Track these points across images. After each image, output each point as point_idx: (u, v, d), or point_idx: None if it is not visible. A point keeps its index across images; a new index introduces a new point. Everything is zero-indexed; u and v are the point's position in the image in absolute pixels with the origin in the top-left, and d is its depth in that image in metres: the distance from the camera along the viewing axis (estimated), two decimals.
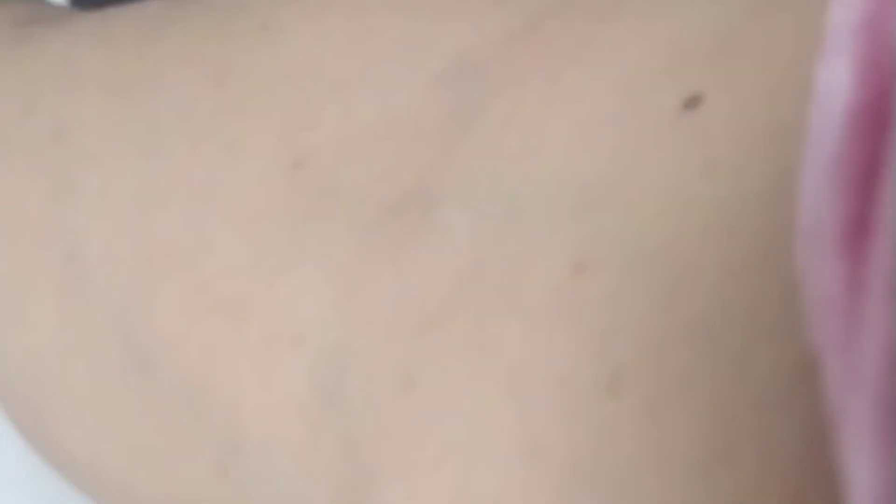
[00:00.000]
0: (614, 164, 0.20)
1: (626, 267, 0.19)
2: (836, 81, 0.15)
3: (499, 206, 0.22)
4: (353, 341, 0.23)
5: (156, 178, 0.27)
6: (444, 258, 0.22)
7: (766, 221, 0.18)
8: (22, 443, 0.32)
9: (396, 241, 0.23)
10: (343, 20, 0.26)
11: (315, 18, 0.27)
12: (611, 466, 0.18)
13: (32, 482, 0.34)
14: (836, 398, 0.15)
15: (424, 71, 0.25)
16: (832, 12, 0.15)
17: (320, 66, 0.26)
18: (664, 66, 0.21)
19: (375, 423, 0.22)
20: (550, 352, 0.20)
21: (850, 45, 0.15)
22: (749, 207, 0.18)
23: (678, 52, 0.21)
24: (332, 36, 0.26)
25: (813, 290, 0.15)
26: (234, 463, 0.25)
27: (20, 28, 0.32)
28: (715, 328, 0.18)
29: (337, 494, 0.23)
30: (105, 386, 0.28)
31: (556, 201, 0.21)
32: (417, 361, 0.22)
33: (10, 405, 0.32)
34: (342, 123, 0.25)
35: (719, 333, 0.18)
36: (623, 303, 0.19)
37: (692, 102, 0.20)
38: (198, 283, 0.25)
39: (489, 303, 0.21)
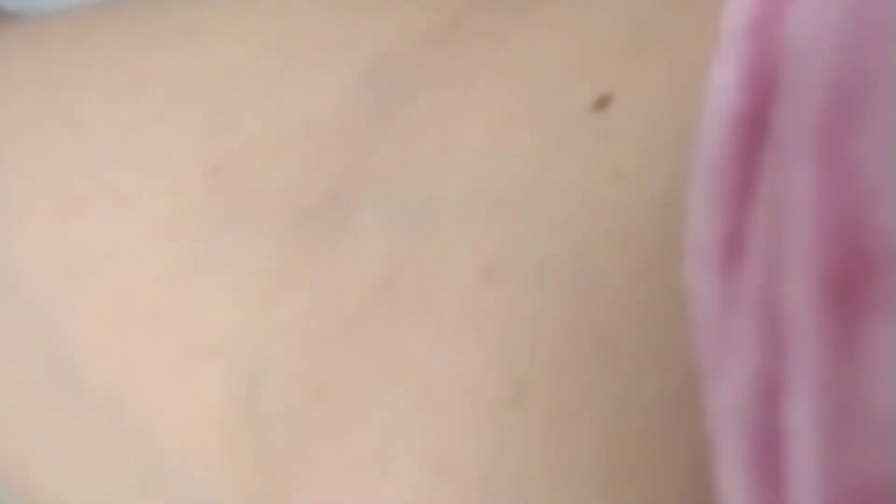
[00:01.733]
0: (525, 167, 0.20)
1: (533, 274, 0.18)
2: (721, 89, 0.14)
3: (414, 210, 0.21)
4: (267, 351, 0.22)
5: (78, 186, 0.26)
6: (360, 264, 0.22)
7: (667, 228, 0.17)
8: None
9: (312, 247, 0.22)
10: (266, 21, 0.26)
11: (237, 21, 0.26)
12: (514, 481, 0.18)
13: None
14: (712, 421, 0.14)
15: (345, 72, 0.24)
16: (726, 15, 0.15)
17: (241, 70, 0.25)
18: (576, 63, 0.20)
19: (289, 436, 0.21)
20: (458, 361, 0.19)
21: (737, 51, 0.14)
22: (653, 213, 0.17)
23: (591, 48, 0.20)
24: (254, 38, 0.26)
25: (695, 308, 0.15)
26: (154, 478, 0.24)
27: None
28: (617, 339, 0.17)
29: None
30: (31, 398, 0.27)
31: (469, 205, 0.20)
32: (330, 372, 0.21)
33: None
34: (261, 128, 0.24)
35: (621, 345, 0.17)
36: (529, 311, 0.18)
37: (602, 103, 0.19)
38: (117, 293, 0.25)
39: (402, 311, 0.20)
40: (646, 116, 0.19)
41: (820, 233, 0.13)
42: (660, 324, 0.17)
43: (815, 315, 0.13)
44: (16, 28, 0.31)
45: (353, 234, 0.22)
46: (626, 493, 0.17)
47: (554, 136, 0.19)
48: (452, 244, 0.20)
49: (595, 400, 0.17)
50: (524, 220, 0.19)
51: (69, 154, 0.27)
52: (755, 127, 0.14)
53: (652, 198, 0.18)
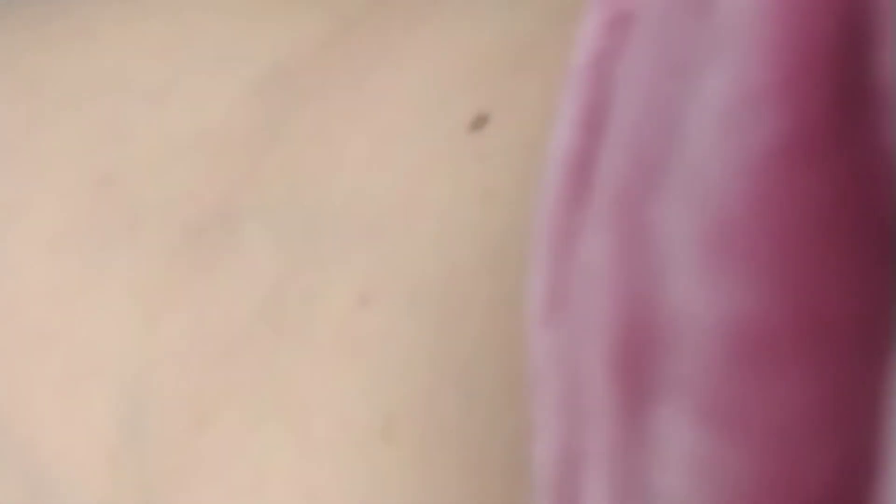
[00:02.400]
0: (402, 185, 0.19)
1: (405, 300, 0.18)
2: (562, 125, 0.14)
3: (299, 227, 0.21)
4: (151, 374, 0.21)
5: None
6: (244, 285, 0.21)
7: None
8: None
9: (198, 264, 0.22)
10: (160, 27, 0.25)
11: (132, 24, 0.25)
12: None
13: None
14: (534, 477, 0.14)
15: (237, 81, 0.23)
16: (577, 44, 0.14)
17: (133, 76, 0.25)
18: (458, 80, 0.19)
19: (171, 463, 0.21)
20: (333, 391, 0.18)
21: (578, 86, 0.14)
22: (522, 240, 0.17)
23: (472, 65, 0.19)
24: (148, 43, 0.25)
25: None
26: (42, 498, 0.23)
27: None
28: (479, 373, 0.17)
29: None
30: None
31: (348, 225, 0.19)
32: (211, 399, 0.20)
33: None
34: (152, 138, 0.24)
35: (483, 379, 0.17)
36: (400, 340, 0.17)
37: (478, 123, 0.18)
38: (1, 307, 0.24)
39: (283, 335, 0.20)
40: (520, 138, 0.18)
41: (614, 304, 0.12)
42: (522, 359, 0.16)
43: (607, 390, 0.12)
44: None
45: (238, 251, 0.21)
46: None
47: (430, 154, 0.19)
48: (331, 265, 0.19)
49: (458, 436, 0.17)
50: (399, 241, 0.18)
51: None
52: (583, 173, 0.13)
53: (523, 223, 0.17)
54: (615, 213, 0.12)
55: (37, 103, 0.25)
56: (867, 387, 0.11)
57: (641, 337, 0.12)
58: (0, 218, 0.24)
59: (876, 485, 0.11)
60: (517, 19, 0.20)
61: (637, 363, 0.12)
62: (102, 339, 0.22)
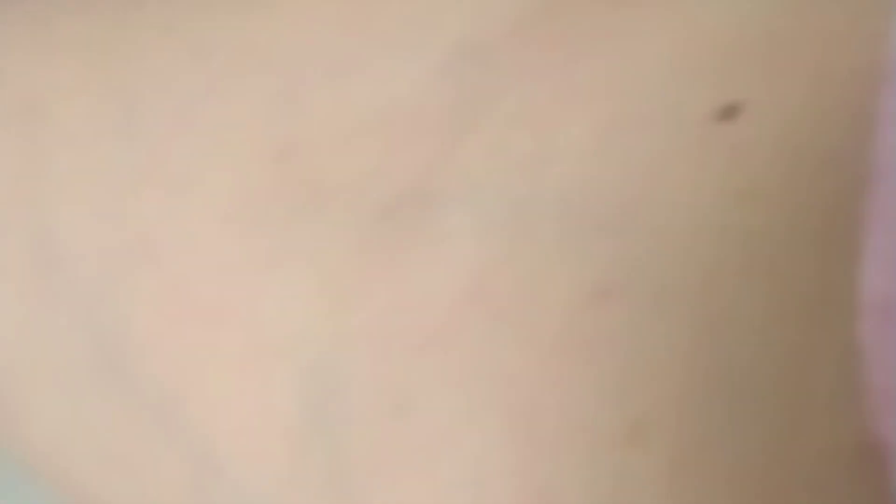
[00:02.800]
0: (637, 178, 0.18)
1: (651, 298, 0.17)
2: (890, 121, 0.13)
3: (506, 215, 0.20)
4: (343, 357, 0.21)
5: (132, 160, 0.25)
6: (446, 269, 0.20)
7: (814, 266, 0.16)
8: None
9: (392, 245, 0.21)
10: (338, 1, 0.24)
11: None
12: None
13: None
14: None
15: (426, 58, 0.23)
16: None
17: (312, 48, 0.24)
18: (695, 66, 0.19)
19: (365, 450, 0.20)
20: (564, 388, 0.18)
21: None
22: (795, 246, 0.16)
23: (713, 51, 0.19)
24: (326, 16, 0.24)
25: (878, 374, 0.13)
26: (209, 479, 0.23)
27: None
28: (759, 385, 0.16)
29: None
30: (74, 384, 0.26)
31: (572, 216, 0.19)
32: (413, 385, 0.20)
33: None
34: (335, 112, 0.23)
35: (765, 393, 0.16)
36: (647, 340, 0.17)
37: (728, 113, 0.18)
38: (175, 282, 0.23)
39: (496, 326, 0.19)
40: (779, 132, 0.17)
41: None
42: (815, 378, 0.15)
43: None
44: None
45: (437, 235, 0.21)
46: None
47: (671, 147, 0.18)
48: (553, 257, 0.19)
49: (730, 450, 0.16)
50: (640, 236, 0.17)
51: (123, 125, 0.26)
52: None
53: (785, 227, 0.16)
54: None
55: (207, 72, 0.25)
56: None
57: None
58: (173, 186, 0.24)
59: None
60: (753, 7, 0.19)
61: None
62: (284, 318, 0.22)
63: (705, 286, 0.17)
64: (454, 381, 0.19)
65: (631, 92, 0.19)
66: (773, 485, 0.16)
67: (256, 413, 0.22)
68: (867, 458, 0.14)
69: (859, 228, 0.14)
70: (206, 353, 0.23)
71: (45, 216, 0.26)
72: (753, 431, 0.16)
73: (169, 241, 0.24)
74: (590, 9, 0.21)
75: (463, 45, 0.22)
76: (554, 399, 0.18)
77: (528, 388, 0.18)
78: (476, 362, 0.19)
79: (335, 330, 0.21)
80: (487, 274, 0.20)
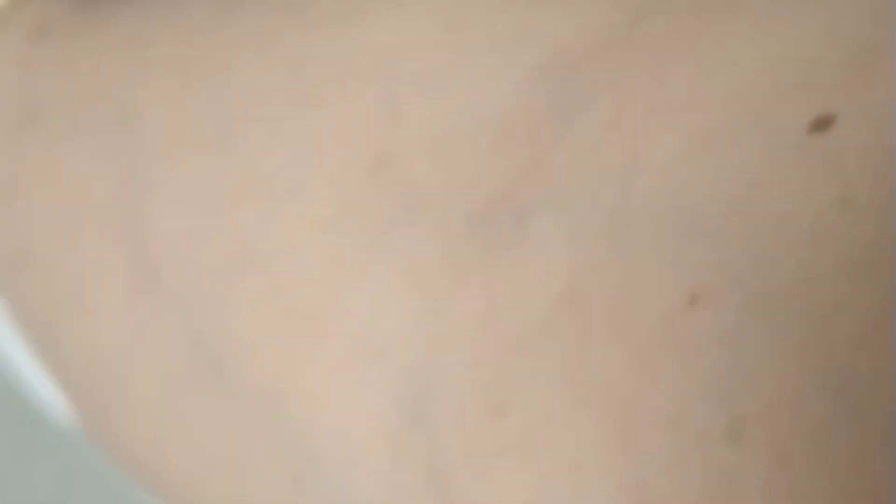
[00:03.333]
0: (732, 186, 0.19)
1: (747, 302, 0.17)
2: None
3: (599, 222, 0.20)
4: (439, 359, 0.21)
5: (229, 172, 0.26)
6: (539, 274, 0.21)
7: None
8: None
9: (487, 251, 0.22)
10: (430, 12, 0.25)
11: (399, 7, 0.25)
12: None
13: None
14: None
15: (517, 69, 0.23)
16: None
17: (405, 59, 0.25)
18: (787, 78, 0.19)
19: (463, 450, 0.21)
20: (660, 388, 0.18)
21: None
22: (886, 248, 0.17)
23: (804, 63, 0.19)
24: (418, 27, 0.25)
25: None
26: (309, 478, 0.23)
27: (85, 8, 0.31)
28: (851, 382, 0.16)
29: None
30: (174, 387, 0.26)
31: (665, 223, 0.19)
32: (510, 386, 0.20)
33: (74, 395, 0.31)
34: (429, 121, 0.24)
35: (863, 389, 0.16)
36: (743, 342, 0.17)
37: (822, 123, 0.18)
38: (274, 288, 0.24)
39: (592, 328, 0.20)
40: (872, 141, 0.18)
41: None
42: None
43: None
44: (151, 3, 0.31)
45: (530, 241, 0.21)
46: None
47: (766, 156, 0.19)
48: (648, 262, 0.19)
49: (824, 442, 0.16)
50: (735, 243, 0.18)
51: (218, 138, 0.26)
52: None
53: (884, 231, 0.17)
54: None
55: (302, 83, 0.26)
56: None
57: None
58: (274, 198, 0.25)
59: None
60: (844, 19, 0.19)
61: None
62: (383, 320, 0.23)
63: (801, 289, 0.17)
64: (549, 381, 0.20)
65: (722, 102, 0.20)
66: (870, 485, 0.16)
67: (356, 414, 0.23)
68: None
69: None
70: (306, 356, 0.23)
71: (145, 228, 0.27)
72: (852, 431, 0.16)
73: (268, 250, 0.24)
74: (680, 20, 0.22)
75: (554, 55, 0.23)
76: (649, 399, 0.18)
77: (624, 388, 0.19)
78: (571, 364, 0.20)
79: (430, 332, 0.22)
80: (581, 279, 0.20)
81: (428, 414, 0.21)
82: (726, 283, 0.18)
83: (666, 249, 0.19)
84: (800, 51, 0.19)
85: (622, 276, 0.20)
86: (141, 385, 0.27)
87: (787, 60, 0.19)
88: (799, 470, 0.17)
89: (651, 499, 0.18)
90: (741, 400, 0.17)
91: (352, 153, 0.24)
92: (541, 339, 0.20)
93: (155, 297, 0.27)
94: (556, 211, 0.21)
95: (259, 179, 0.25)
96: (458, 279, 0.22)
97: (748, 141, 0.19)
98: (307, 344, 0.23)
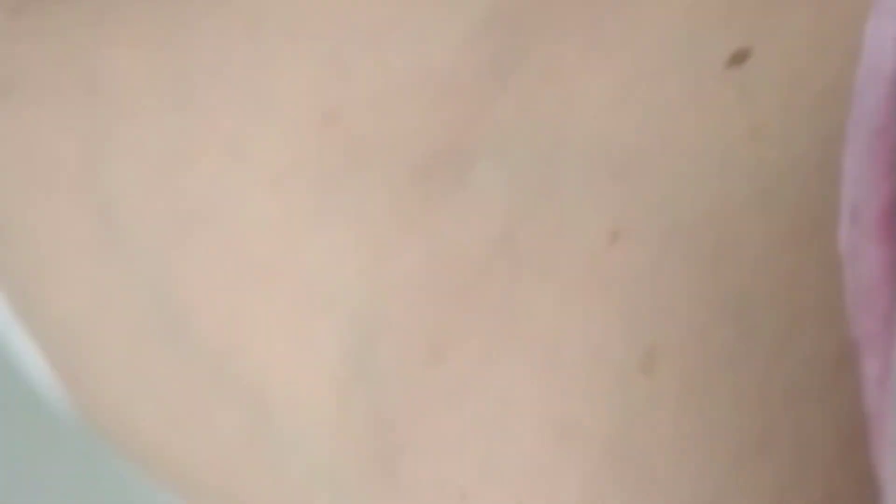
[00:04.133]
0: (655, 124, 0.19)
1: (663, 236, 0.18)
2: (882, 45, 0.14)
3: (535, 167, 0.21)
4: (382, 308, 0.22)
5: (187, 131, 0.26)
6: (478, 221, 0.21)
7: (810, 193, 0.16)
8: None
9: (429, 200, 0.22)
10: None
11: None
12: (640, 450, 0.17)
13: None
14: (871, 400, 0.14)
15: (462, 22, 0.23)
16: None
17: (352, 15, 0.25)
18: (710, 15, 0.19)
19: (403, 396, 0.21)
20: (583, 324, 0.18)
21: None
22: (796, 176, 0.17)
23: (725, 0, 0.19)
24: None
25: (852, 277, 0.14)
26: (262, 431, 0.24)
27: None
28: (758, 308, 0.17)
29: (365, 467, 0.22)
30: (138, 347, 0.27)
31: (593, 164, 0.20)
32: (448, 331, 0.21)
33: (52, 360, 0.31)
34: (376, 76, 0.24)
35: (762, 314, 0.17)
36: (659, 275, 0.18)
37: (739, 57, 0.18)
38: (226, 243, 0.24)
39: (522, 270, 0.20)
40: (786, 73, 0.18)
41: None
42: (804, 294, 0.16)
43: None
44: None
45: (470, 189, 0.21)
46: (758, 467, 0.16)
47: (687, 93, 0.19)
48: (575, 204, 0.20)
49: (732, 369, 0.17)
50: (654, 179, 0.18)
51: (178, 99, 0.27)
52: None
53: (794, 160, 0.17)
54: None
55: (257, 43, 0.26)
56: None
57: None
58: (225, 155, 0.25)
59: None
60: None
61: None
62: (329, 273, 0.23)
63: (711, 220, 0.17)
64: (483, 324, 0.20)
65: (649, 45, 0.20)
66: (771, 397, 0.16)
67: (304, 365, 0.23)
68: (850, 366, 0.15)
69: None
70: (257, 310, 0.24)
71: (107, 188, 0.27)
72: (753, 350, 0.17)
73: (221, 206, 0.25)
74: None
75: (495, 8, 0.23)
76: (572, 336, 0.18)
77: (549, 327, 0.19)
78: (503, 306, 0.20)
79: (375, 283, 0.22)
80: (515, 224, 0.20)
81: (371, 363, 0.22)
82: (644, 219, 0.18)
83: (592, 191, 0.19)
84: None
85: (552, 218, 0.20)
86: (107, 347, 0.28)
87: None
88: (706, 396, 0.17)
89: (576, 431, 0.18)
90: (656, 332, 0.17)
91: (302, 109, 0.24)
92: (477, 283, 0.20)
93: (119, 257, 0.27)
94: (496, 159, 0.21)
95: (215, 137, 0.25)
96: (402, 229, 0.22)
97: (671, 80, 0.19)
98: (258, 298, 0.24)
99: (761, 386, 0.16)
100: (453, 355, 0.20)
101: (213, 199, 0.25)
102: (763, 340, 0.16)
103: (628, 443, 0.18)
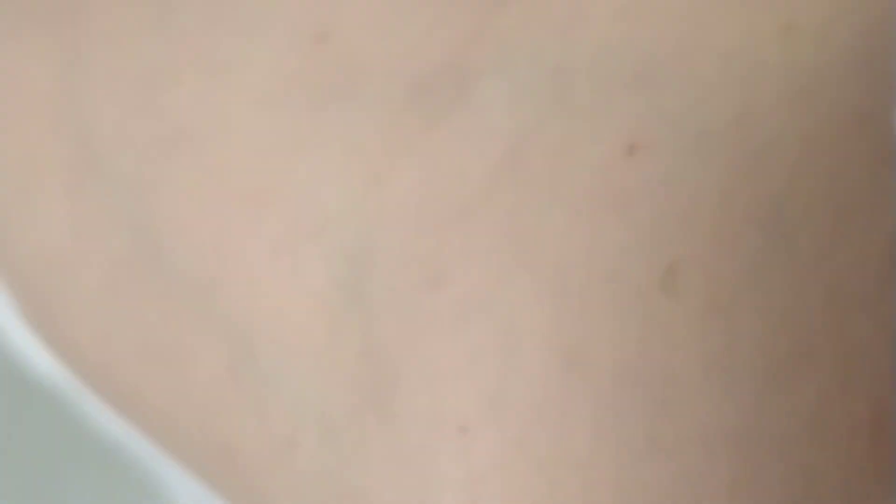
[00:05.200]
0: (675, 28, 0.18)
1: (687, 146, 0.16)
2: None
3: (542, 81, 0.19)
4: (376, 234, 0.20)
5: (168, 51, 0.25)
6: (480, 141, 0.20)
7: (851, 87, 0.15)
8: None
9: (427, 122, 0.21)
10: None
11: None
12: (657, 374, 0.16)
13: None
14: None
15: None
16: None
17: None
18: None
19: (399, 323, 0.20)
20: (596, 244, 0.17)
21: None
22: (834, 72, 0.15)
23: None
24: None
25: None
26: (246, 364, 0.23)
27: None
28: (791, 212, 0.15)
29: (356, 399, 0.20)
30: (116, 279, 0.25)
31: (607, 76, 0.18)
32: (446, 256, 0.19)
33: (21, 298, 0.30)
34: None
35: (797, 218, 0.15)
36: (682, 187, 0.16)
37: None
38: (211, 168, 0.23)
39: (528, 191, 0.19)
40: None
41: None
42: (848, 194, 0.15)
43: None
44: None
45: (472, 109, 0.20)
46: (794, 385, 0.15)
47: None
48: (587, 118, 0.18)
49: (765, 281, 0.15)
50: (675, 88, 0.17)
51: (158, 20, 0.25)
52: None
53: (832, 56, 0.16)
54: None
55: None
56: None
57: None
58: (207, 75, 0.24)
59: None
60: None
61: None
62: (320, 198, 0.22)
63: (740, 127, 0.16)
64: (485, 249, 0.19)
65: None
66: (809, 309, 0.15)
67: (291, 295, 0.22)
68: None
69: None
70: (243, 237, 0.22)
71: (85, 115, 0.26)
72: (788, 259, 0.15)
73: (203, 128, 0.23)
74: None
75: None
76: (584, 256, 0.17)
77: (559, 248, 0.18)
78: (507, 229, 0.19)
79: (368, 208, 0.21)
80: (521, 142, 0.19)
81: (365, 291, 0.20)
82: (664, 128, 0.17)
83: (606, 102, 0.18)
84: None
85: (562, 133, 0.18)
86: (85, 279, 0.26)
87: None
88: (734, 312, 0.16)
89: (586, 358, 0.17)
90: (677, 247, 0.16)
91: (291, 27, 0.23)
92: (479, 206, 0.19)
93: (97, 186, 0.26)
94: (500, 75, 0.20)
95: (196, 57, 0.24)
96: (397, 152, 0.21)
97: None
98: (244, 224, 0.22)
99: (798, 297, 0.15)
100: (453, 281, 0.19)
101: (194, 121, 0.24)
102: (800, 248, 0.15)
103: (644, 369, 0.16)
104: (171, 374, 0.25)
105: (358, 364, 0.20)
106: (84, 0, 0.27)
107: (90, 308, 0.26)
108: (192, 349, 0.24)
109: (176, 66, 0.25)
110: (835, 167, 0.15)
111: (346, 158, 0.21)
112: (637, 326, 0.16)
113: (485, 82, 0.20)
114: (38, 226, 0.27)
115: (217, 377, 0.23)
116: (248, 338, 0.22)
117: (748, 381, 0.15)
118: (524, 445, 0.17)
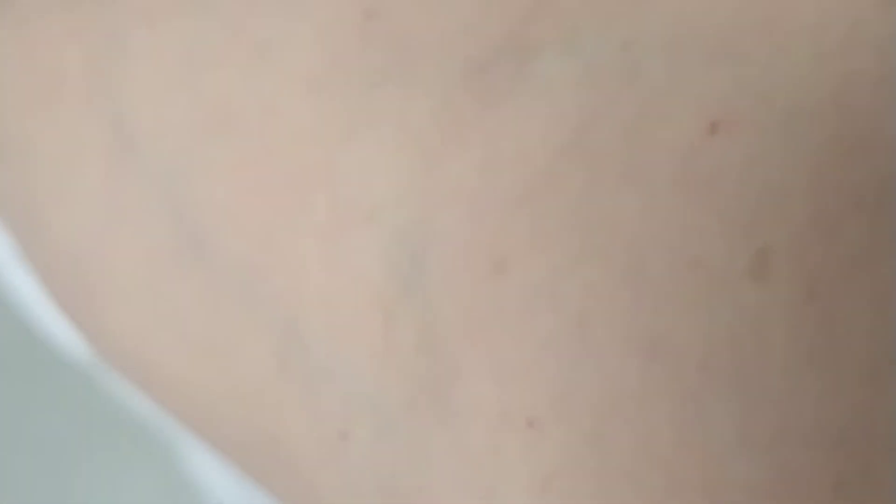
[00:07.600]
0: (758, 5, 0.17)
1: (778, 124, 0.15)
2: None
3: (610, 58, 0.18)
4: (433, 219, 0.20)
5: (210, 35, 0.24)
6: (544, 122, 0.19)
7: None
8: None
9: (485, 101, 0.20)
10: None
11: None
12: (749, 368, 0.15)
13: None
14: None
15: None
16: None
17: None
18: None
19: (459, 313, 0.19)
20: (675, 229, 0.16)
21: None
22: None
23: None
24: None
25: None
26: (295, 355, 0.22)
27: None
28: (893, 196, 0.14)
29: (413, 393, 0.20)
30: (156, 268, 0.25)
31: (682, 51, 0.17)
32: (509, 242, 0.18)
33: (55, 287, 0.29)
34: None
35: None
36: (772, 168, 0.15)
37: None
38: (256, 152, 0.22)
39: (599, 173, 0.18)
40: None
41: None
42: None
43: None
44: None
45: (534, 87, 0.19)
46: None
47: None
48: (661, 96, 0.17)
49: (868, 267, 0.14)
50: (762, 63, 0.16)
51: (199, 2, 0.24)
52: None
53: None
54: None
55: None
56: None
57: None
58: (252, 56, 0.23)
59: None
60: None
61: None
62: (372, 182, 0.21)
63: (837, 104, 0.15)
64: (552, 234, 0.18)
65: None
66: None
67: (344, 283, 0.21)
68: None
69: None
70: (291, 224, 0.21)
71: (122, 97, 0.25)
72: (892, 250, 0.14)
73: (249, 112, 0.23)
74: None
75: None
76: (661, 243, 0.16)
77: (633, 234, 0.17)
78: (575, 214, 0.18)
79: (424, 192, 0.20)
80: (590, 122, 0.18)
81: (421, 278, 0.20)
82: (751, 106, 0.16)
83: (684, 79, 0.17)
84: None
85: (635, 113, 0.17)
86: (124, 270, 0.26)
87: None
88: (832, 302, 0.15)
89: (668, 349, 0.16)
90: (766, 231, 0.15)
91: (337, 4, 0.22)
92: (544, 190, 0.18)
93: (135, 171, 0.25)
94: (563, 51, 0.19)
95: (240, 39, 0.23)
96: (454, 134, 0.20)
97: None
98: (292, 211, 0.21)
99: None
100: (518, 268, 0.18)
101: (238, 106, 0.23)
102: None
103: (732, 360, 0.15)
104: (214, 366, 0.24)
105: (415, 355, 0.19)
106: None
107: (129, 297, 0.26)
108: (236, 340, 0.23)
109: (216, 45, 0.24)
110: None
111: (399, 141, 0.20)
112: (724, 316, 0.15)
113: (546, 59, 0.19)
114: (70, 216, 0.26)
115: (264, 369, 0.22)
116: (296, 328, 0.21)
117: (852, 374, 0.14)
118: (599, 441, 0.16)
